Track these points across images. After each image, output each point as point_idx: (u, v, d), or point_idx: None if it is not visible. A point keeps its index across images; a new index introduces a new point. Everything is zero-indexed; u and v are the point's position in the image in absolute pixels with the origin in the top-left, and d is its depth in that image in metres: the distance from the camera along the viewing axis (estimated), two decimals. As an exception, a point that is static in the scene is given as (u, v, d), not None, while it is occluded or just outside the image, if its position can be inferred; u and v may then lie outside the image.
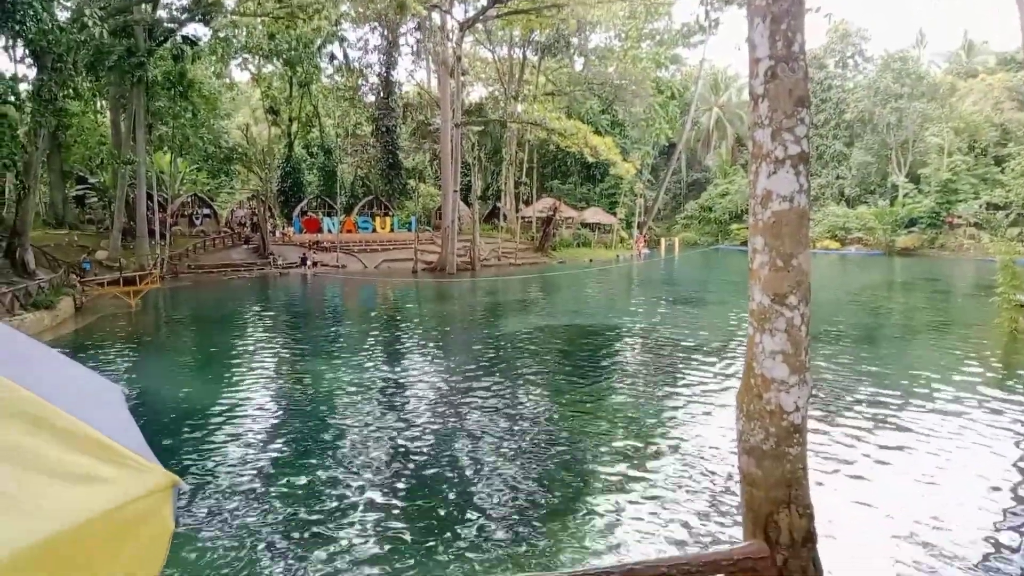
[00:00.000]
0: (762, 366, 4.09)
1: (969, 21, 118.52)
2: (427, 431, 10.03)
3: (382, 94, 49.30)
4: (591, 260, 45.81)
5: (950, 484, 8.03)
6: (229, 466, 8.58)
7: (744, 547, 3.90)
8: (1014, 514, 7.21)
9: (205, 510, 7.17)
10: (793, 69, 4.45)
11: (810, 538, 4.01)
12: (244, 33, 38.75)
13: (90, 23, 24.57)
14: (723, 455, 8.74)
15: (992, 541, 6.57)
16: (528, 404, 11.61)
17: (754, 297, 4.24)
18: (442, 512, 7.22)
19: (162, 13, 33.01)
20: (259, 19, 35.55)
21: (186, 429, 10.01)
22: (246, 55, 43.73)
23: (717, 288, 32.48)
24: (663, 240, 60.75)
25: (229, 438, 9.75)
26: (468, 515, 7.16)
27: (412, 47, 49.61)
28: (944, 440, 9.54)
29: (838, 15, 63.41)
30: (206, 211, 44.05)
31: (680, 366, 14.61)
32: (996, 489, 7.88)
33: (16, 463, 1.31)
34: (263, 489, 7.83)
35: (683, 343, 17.19)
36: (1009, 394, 12.38)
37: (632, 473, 8.28)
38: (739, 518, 4.87)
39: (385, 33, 47.41)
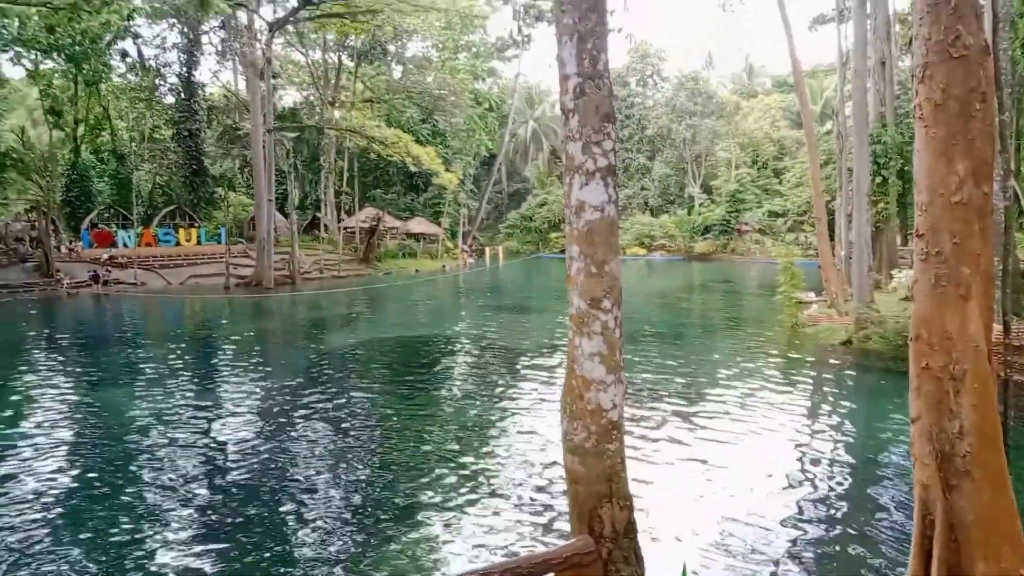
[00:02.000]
0: (582, 367, 4.31)
1: (749, 46, 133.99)
2: (245, 454, 9.38)
3: (183, 95, 45.62)
4: (417, 270, 45.69)
5: (753, 465, 8.93)
6: (13, 507, 7.43)
7: (571, 544, 4.07)
8: (809, 488, 8.20)
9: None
10: (599, 86, 4.75)
11: (632, 529, 4.29)
12: (15, 23, 34.09)
13: None
14: (552, 455, 9.05)
15: (798, 517, 7.39)
16: (355, 419, 11.28)
17: (572, 302, 4.46)
18: (265, 535, 6.78)
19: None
20: (34, 9, 31.46)
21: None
22: (19, 48, 38.45)
23: (539, 295, 33.79)
24: (487, 249, 62.07)
25: (13, 476, 8.46)
26: (293, 536, 6.79)
27: (216, 47, 46.56)
28: (744, 424, 10.64)
29: (638, 36, 68.95)
30: (-30, 225, 38.11)
31: (507, 371, 14.99)
32: (795, 465, 8.93)
33: None
34: (55, 532, 6.87)
35: (509, 348, 17.66)
36: (794, 380, 14.14)
37: (464, 480, 8.34)
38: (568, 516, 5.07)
39: (185, 31, 44.02)
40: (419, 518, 7.25)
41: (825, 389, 13.91)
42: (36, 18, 33.61)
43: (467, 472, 8.64)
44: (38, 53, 40.20)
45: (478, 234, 68.68)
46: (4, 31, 33.72)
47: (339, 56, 52.38)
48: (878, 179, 27.20)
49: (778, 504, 7.59)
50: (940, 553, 4.23)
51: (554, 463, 8.68)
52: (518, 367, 15.42)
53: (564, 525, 6.50)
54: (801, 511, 7.41)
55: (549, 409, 11.40)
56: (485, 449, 9.63)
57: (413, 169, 46.92)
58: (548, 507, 7.49)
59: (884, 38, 27.43)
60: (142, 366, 16.38)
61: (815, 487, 8.16)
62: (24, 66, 44.31)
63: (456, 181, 49.25)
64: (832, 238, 26.63)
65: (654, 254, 60.84)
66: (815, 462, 9.16)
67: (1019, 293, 15.77)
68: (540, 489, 8.04)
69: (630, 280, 43.96)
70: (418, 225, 55.42)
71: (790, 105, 63.10)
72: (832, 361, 15.87)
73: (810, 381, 14.50)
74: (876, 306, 18.28)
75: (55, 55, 38.85)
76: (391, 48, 53.09)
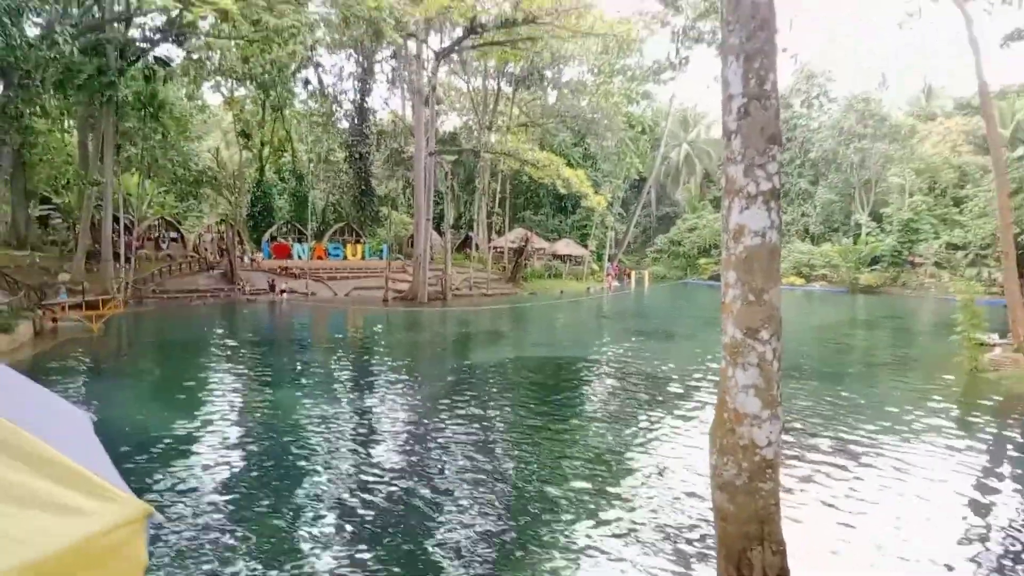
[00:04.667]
0: (735, 400, 4.13)
1: (928, 67, 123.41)
2: (391, 462, 9.88)
3: (356, 121, 49.42)
4: (562, 292, 46.04)
5: (918, 520, 8.11)
6: (191, 497, 8.32)
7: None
8: (981, 550, 7.31)
9: (164, 543, 6.94)
10: (765, 107, 4.58)
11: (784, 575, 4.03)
12: (218, 55, 38.64)
13: (60, 40, 24.26)
14: (699, 490, 8.72)
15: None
16: (495, 435, 11.52)
17: (727, 331, 4.30)
18: (410, 546, 7.08)
19: (135, 33, 32.78)
20: (233, 42, 35.52)
21: (144, 457, 9.71)
22: (219, 77, 43.55)
23: (685, 322, 32.81)
24: (633, 273, 61.35)
25: (190, 468, 9.48)
26: (438, 550, 7.03)
27: (387, 75, 50.02)
28: (911, 476, 9.66)
29: (804, 57, 65.76)
30: (173, 235, 43.35)
31: (650, 398, 14.66)
32: (965, 523, 8.00)
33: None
34: (228, 522, 7.60)
35: (652, 375, 17.27)
36: (971, 431, 12.63)
37: (605, 507, 8.23)
38: (715, 555, 4.85)
39: (360, 60, 47.72)
40: (562, 541, 7.24)
41: (1008, 445, 12.28)
42: (234, 50, 37.86)
43: (607, 497, 8.53)
44: (233, 81, 45.19)
45: (624, 257, 68.11)
46: (208, 62, 38.29)
47: (498, 82, 54.34)
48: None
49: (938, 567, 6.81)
50: None
51: (693, 494, 8.36)
52: (660, 395, 15.03)
53: (708, 571, 6.22)
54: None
55: (688, 443, 11.01)
56: (625, 477, 9.46)
57: (563, 191, 47.52)
58: (691, 544, 7.21)
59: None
60: (308, 368, 17.83)
61: (986, 553, 7.23)
62: (222, 93, 50.08)
63: (604, 204, 49.25)
64: (1022, 275, 23.58)
65: (813, 284, 57.12)
66: (986, 527, 8.11)
67: None
68: (685, 527, 7.75)
69: (786, 311, 41.35)
70: (565, 247, 55.93)
71: (975, 129, 57.15)
72: (1017, 414, 14.03)
73: (989, 435, 12.84)
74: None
75: (248, 83, 43.42)
76: (548, 73, 54.28)
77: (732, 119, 4.64)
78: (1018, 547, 7.45)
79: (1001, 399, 15.35)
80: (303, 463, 9.76)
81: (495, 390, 15.51)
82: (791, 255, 58.95)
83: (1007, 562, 6.99)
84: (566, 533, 7.44)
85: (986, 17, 20.09)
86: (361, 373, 17.73)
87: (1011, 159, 39.79)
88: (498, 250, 53.09)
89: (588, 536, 7.40)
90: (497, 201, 57.22)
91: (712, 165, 74.87)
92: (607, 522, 7.81)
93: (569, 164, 47.29)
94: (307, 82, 49.74)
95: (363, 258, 45.36)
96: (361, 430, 11.77)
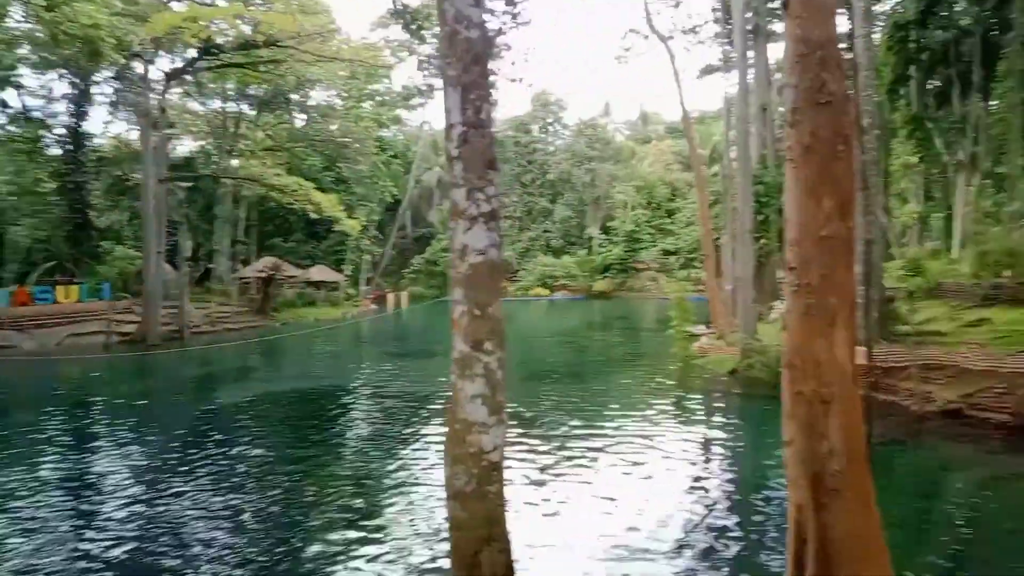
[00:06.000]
0: (464, 410, 4.30)
1: (643, 95, 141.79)
2: (122, 523, 8.71)
3: (70, 147, 43.19)
4: (317, 319, 44.49)
5: (645, 498, 9.09)
6: None
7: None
8: (695, 516, 8.40)
9: None
10: (482, 135, 4.87)
11: (510, 572, 4.25)
12: None
13: None
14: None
15: (682, 546, 7.54)
16: (246, 477, 10.71)
17: (456, 346, 4.47)
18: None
19: None
20: None
21: None
22: None
23: (443, 339, 33.44)
24: (391, 295, 61.38)
25: None
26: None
27: (109, 97, 44.50)
28: (636, 457, 10.86)
29: (539, 86, 71.38)
30: None
31: (407, 420, 14.72)
32: (685, 496, 9.16)
33: None
34: None
35: (414, 395, 17.39)
36: (685, 410, 14.63)
37: (356, 535, 8.04)
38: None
39: (76, 81, 41.88)
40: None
41: (714, 418, 14.49)
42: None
43: (361, 524, 8.35)
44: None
45: (382, 280, 67.92)
46: None
47: (239, 105, 51.17)
48: (760, 217, 28.96)
49: (666, 535, 7.77)
50: (813, 570, 4.44)
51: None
52: (420, 415, 15.19)
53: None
54: (689, 541, 7.60)
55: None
56: (380, 501, 9.36)
57: (314, 216, 46.08)
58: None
59: (765, 86, 29.57)
60: (4, 437, 14.95)
61: (704, 516, 8.41)
62: None
63: (359, 227, 48.70)
64: (720, 273, 28.07)
65: (556, 294, 62.06)
66: (705, 490, 9.46)
67: (886, 319, 17.07)
68: (433, 539, 7.84)
69: (532, 320, 44.54)
70: (319, 273, 54.13)
71: (682, 149, 66.75)
72: (720, 390, 16.60)
73: (700, 411, 15.08)
74: (759, 336, 19.32)
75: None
76: (294, 97, 52.39)
77: (454, 147, 4.87)
78: (724, 507, 8.73)
79: (708, 379, 18.10)
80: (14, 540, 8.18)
81: (241, 431, 14.40)
82: (536, 268, 63.52)
83: (717, 522, 8.14)
84: (324, 563, 7.14)
85: (686, 53, 23.61)
86: (81, 432, 15.35)
87: (709, 175, 47.05)
88: (244, 281, 49.77)
89: (348, 562, 7.18)
90: (243, 229, 53.70)
91: (461, 187, 77.74)
92: (366, 545, 7.64)
93: (320, 189, 46.04)
94: (4, 104, 42.40)
95: (79, 300, 39.50)
96: (85, 493, 10.16)
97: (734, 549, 7.37)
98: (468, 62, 4.86)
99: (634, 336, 31.81)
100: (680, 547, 7.42)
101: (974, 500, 9.00)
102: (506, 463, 10.17)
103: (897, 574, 4.85)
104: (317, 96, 55.60)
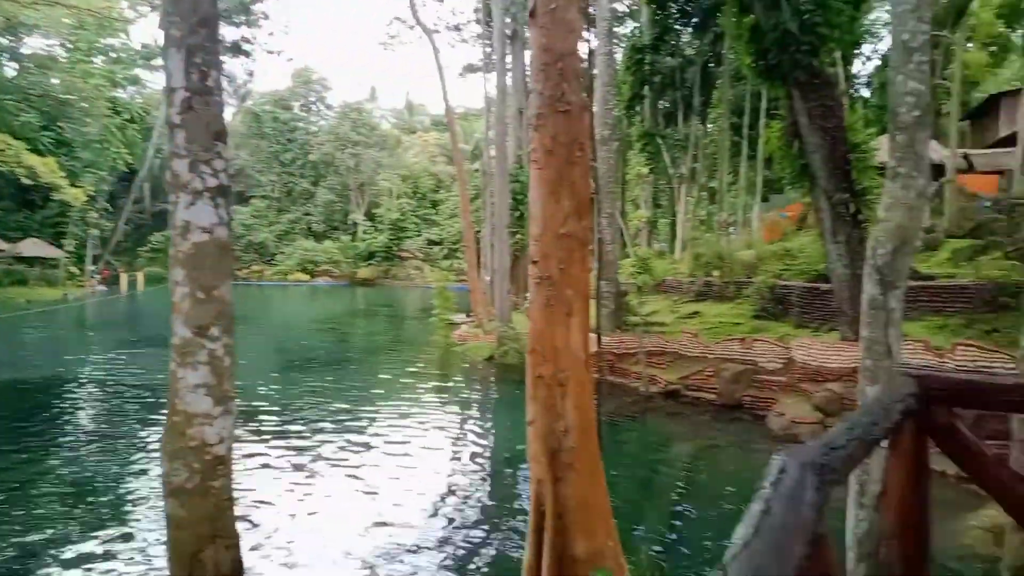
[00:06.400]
0: (184, 401, 3.94)
1: (410, 85, 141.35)
2: None
3: None
4: (29, 301, 38.13)
5: (404, 481, 9.10)
6: None
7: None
8: (451, 492, 8.63)
9: None
10: (208, 103, 4.45)
11: (238, 568, 4.01)
12: None
13: None
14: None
15: (435, 517, 7.70)
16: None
17: (176, 331, 4.07)
18: None
19: None
20: None
21: None
22: None
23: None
24: (124, 275, 54.60)
25: None
26: None
27: None
28: (396, 444, 10.88)
29: (301, 62, 68.17)
30: None
31: (142, 415, 13.22)
32: (439, 474, 9.38)
33: None
34: None
35: (148, 387, 15.60)
36: (445, 395, 15.04)
37: (78, 547, 7.04)
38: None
39: None
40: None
41: (472, 402, 15.08)
42: None
43: (78, 527, 7.33)
44: None
45: (113, 258, 60.20)
46: None
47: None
48: (516, 213, 30.60)
49: (421, 508, 7.96)
50: (550, 538, 4.82)
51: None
52: (157, 409, 13.72)
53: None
54: (444, 514, 7.84)
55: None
56: (103, 505, 8.31)
57: (27, 182, 39.37)
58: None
59: (522, 89, 31.10)
60: None
61: (458, 490, 8.73)
62: None
63: (84, 197, 42.62)
64: (480, 265, 29.21)
65: (318, 279, 60.02)
66: (461, 469, 9.81)
67: (619, 310, 19.00)
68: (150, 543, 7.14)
69: (293, 305, 42.61)
70: (32, 247, 46.32)
71: (446, 143, 68.07)
72: (478, 376, 17.32)
73: (459, 395, 15.62)
74: (513, 325, 20.47)
75: None
76: (3, 41, 44.09)
77: (176, 113, 4.40)
78: (481, 486, 9.09)
79: (467, 366, 18.78)
80: None
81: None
82: (296, 252, 60.84)
83: (475, 500, 8.44)
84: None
85: (451, 49, 23.93)
86: None
87: (470, 170, 48.48)
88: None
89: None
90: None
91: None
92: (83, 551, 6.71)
93: (36, 151, 39.41)
94: None
95: None
96: None
97: (485, 520, 7.72)
98: (194, 23, 4.43)
99: (398, 324, 31.87)
100: (433, 518, 7.68)
101: (688, 467, 10.38)
102: (264, 454, 9.77)
103: (624, 535, 5.45)
104: (34, 44, 47.55)
